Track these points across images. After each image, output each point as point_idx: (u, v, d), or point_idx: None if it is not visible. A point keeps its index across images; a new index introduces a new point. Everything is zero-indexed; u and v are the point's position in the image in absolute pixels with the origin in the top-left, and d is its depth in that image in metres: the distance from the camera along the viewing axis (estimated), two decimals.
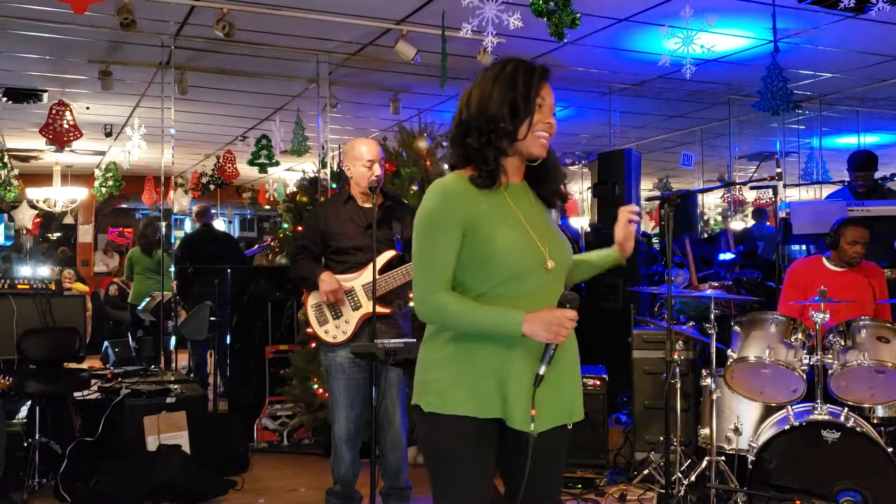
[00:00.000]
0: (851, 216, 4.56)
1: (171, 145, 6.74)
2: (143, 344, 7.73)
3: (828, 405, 3.70)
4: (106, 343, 8.64)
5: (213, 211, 8.61)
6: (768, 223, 9.64)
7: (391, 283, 3.54)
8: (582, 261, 2.37)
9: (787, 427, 3.60)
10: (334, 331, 3.63)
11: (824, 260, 4.50)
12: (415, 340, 3.08)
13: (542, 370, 1.98)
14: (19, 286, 5.06)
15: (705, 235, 10.46)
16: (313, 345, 5.29)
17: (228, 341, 6.13)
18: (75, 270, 11.92)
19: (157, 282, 8.22)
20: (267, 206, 14.27)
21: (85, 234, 14.59)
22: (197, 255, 7.51)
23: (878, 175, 5.66)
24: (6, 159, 10.11)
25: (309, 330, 3.75)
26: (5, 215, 13.55)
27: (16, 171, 10.48)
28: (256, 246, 10.66)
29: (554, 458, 2.15)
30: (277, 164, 8.84)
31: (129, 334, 8.47)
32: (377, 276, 3.47)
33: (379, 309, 3.49)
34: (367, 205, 3.62)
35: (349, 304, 3.63)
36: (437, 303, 2.02)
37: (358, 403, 3.64)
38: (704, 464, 4.01)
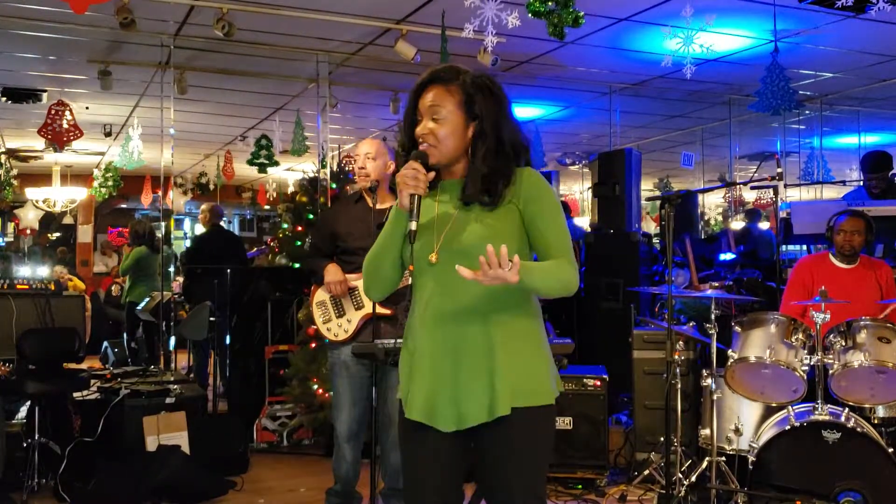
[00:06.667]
0: (844, 209, 4.57)
1: (170, 145, 6.74)
2: (141, 344, 7.72)
3: (828, 405, 3.69)
4: (105, 343, 8.65)
5: (223, 211, 8.46)
6: (760, 224, 9.60)
7: None
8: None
9: (787, 427, 3.59)
10: (336, 329, 3.63)
11: (831, 256, 4.49)
12: None
13: (412, 226, 2.04)
14: (19, 286, 5.05)
15: (705, 235, 10.45)
16: (313, 345, 5.30)
17: (228, 341, 6.12)
18: (73, 271, 11.91)
19: (158, 281, 8.18)
20: (266, 206, 14.26)
21: (84, 234, 14.58)
22: (207, 256, 7.47)
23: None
24: (3, 159, 10.09)
25: (312, 327, 3.71)
26: (4, 215, 13.54)
27: (15, 171, 10.47)
28: (255, 249, 10.61)
29: (501, 455, 2.07)
30: (277, 164, 8.82)
31: (125, 334, 8.43)
32: None
33: (381, 310, 3.48)
34: (380, 205, 3.51)
35: (352, 303, 3.62)
36: None
37: (361, 401, 3.63)
38: (705, 464, 4.01)
